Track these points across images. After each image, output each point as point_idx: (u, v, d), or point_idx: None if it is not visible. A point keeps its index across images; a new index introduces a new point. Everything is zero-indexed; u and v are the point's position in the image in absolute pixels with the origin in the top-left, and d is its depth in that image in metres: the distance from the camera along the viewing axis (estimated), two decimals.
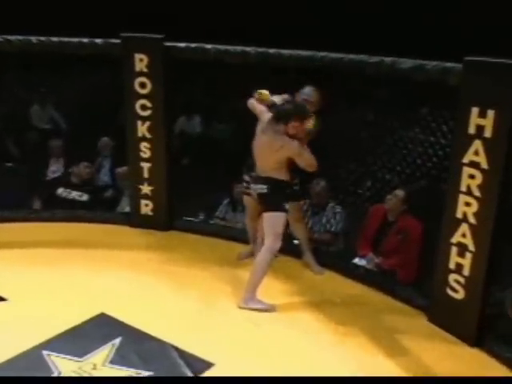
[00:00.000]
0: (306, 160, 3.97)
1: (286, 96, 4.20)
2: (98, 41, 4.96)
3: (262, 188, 4.06)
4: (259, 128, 4.11)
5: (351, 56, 4.16)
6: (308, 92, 4.32)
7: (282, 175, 4.06)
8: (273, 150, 3.97)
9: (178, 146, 7.09)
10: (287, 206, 4.08)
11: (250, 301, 4.09)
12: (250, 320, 3.99)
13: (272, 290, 4.34)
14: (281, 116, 3.94)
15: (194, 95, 6.98)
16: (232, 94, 5.59)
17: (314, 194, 5.11)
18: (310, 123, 3.97)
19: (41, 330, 3.72)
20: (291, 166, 4.08)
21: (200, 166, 6.81)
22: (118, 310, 3.97)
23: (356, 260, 4.79)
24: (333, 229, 5.09)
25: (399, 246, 4.70)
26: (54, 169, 6.42)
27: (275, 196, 4.05)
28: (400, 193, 4.69)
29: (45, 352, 3.54)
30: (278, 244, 4.07)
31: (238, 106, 4.57)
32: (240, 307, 4.10)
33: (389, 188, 4.78)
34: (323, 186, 5.06)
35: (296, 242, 4.81)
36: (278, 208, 4.05)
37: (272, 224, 4.06)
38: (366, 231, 4.91)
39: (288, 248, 4.79)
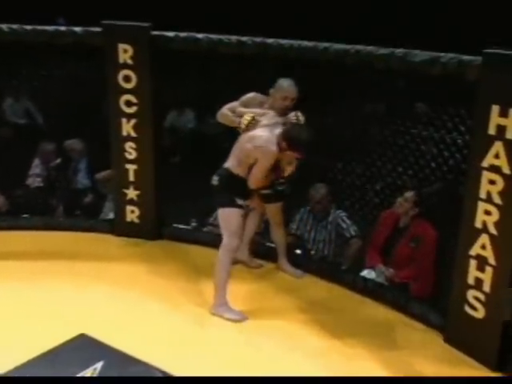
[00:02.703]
0: (258, 173, 4.15)
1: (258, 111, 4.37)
2: (77, 29, 4.96)
3: (214, 179, 4.25)
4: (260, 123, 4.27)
5: (358, 47, 4.16)
6: (288, 88, 4.35)
7: (240, 170, 4.20)
8: (252, 144, 4.14)
9: (168, 143, 7.10)
10: (240, 202, 4.21)
11: (220, 307, 4.22)
12: (246, 341, 3.99)
13: (273, 305, 4.40)
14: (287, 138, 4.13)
15: (186, 88, 6.97)
16: (229, 85, 5.58)
17: (314, 203, 5.10)
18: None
19: (13, 353, 3.71)
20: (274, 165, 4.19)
21: (192, 165, 6.79)
22: (100, 331, 3.96)
23: (364, 272, 4.79)
24: (347, 234, 5.10)
25: (412, 255, 4.70)
26: (37, 171, 6.37)
27: (224, 190, 4.22)
28: (410, 195, 4.70)
29: None
30: (235, 242, 4.22)
31: (235, 99, 4.57)
32: (211, 313, 4.22)
33: (399, 193, 4.77)
34: (324, 193, 5.05)
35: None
36: (227, 203, 4.20)
37: (225, 221, 4.24)
38: (375, 239, 4.91)
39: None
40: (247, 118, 4.28)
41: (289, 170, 4.29)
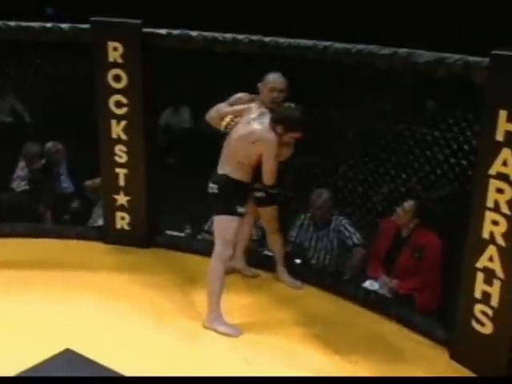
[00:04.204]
0: (270, 166, 4.12)
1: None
2: (64, 26, 4.97)
3: (213, 187, 4.22)
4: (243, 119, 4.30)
5: (359, 47, 4.16)
6: (274, 79, 4.37)
7: (240, 175, 4.18)
8: (248, 142, 4.13)
9: (162, 144, 7.10)
10: (241, 210, 4.21)
11: (214, 320, 4.23)
12: (241, 357, 3.99)
13: (270, 318, 4.41)
14: (281, 120, 4.14)
15: (179, 87, 6.98)
16: (225, 85, 5.59)
17: (315, 209, 5.10)
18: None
19: None
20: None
21: (187, 166, 6.79)
22: (87, 346, 3.97)
23: (367, 284, 4.79)
24: (350, 242, 5.09)
25: (416, 266, 4.70)
26: (23, 174, 6.37)
27: (225, 197, 4.19)
28: (409, 204, 4.70)
29: None
30: (228, 251, 4.23)
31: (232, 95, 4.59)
32: (205, 327, 4.23)
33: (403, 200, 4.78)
34: (326, 198, 5.05)
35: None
36: (228, 211, 4.18)
37: (221, 229, 4.22)
38: (377, 249, 4.91)
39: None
40: (226, 119, 4.34)
41: (287, 153, 4.29)
